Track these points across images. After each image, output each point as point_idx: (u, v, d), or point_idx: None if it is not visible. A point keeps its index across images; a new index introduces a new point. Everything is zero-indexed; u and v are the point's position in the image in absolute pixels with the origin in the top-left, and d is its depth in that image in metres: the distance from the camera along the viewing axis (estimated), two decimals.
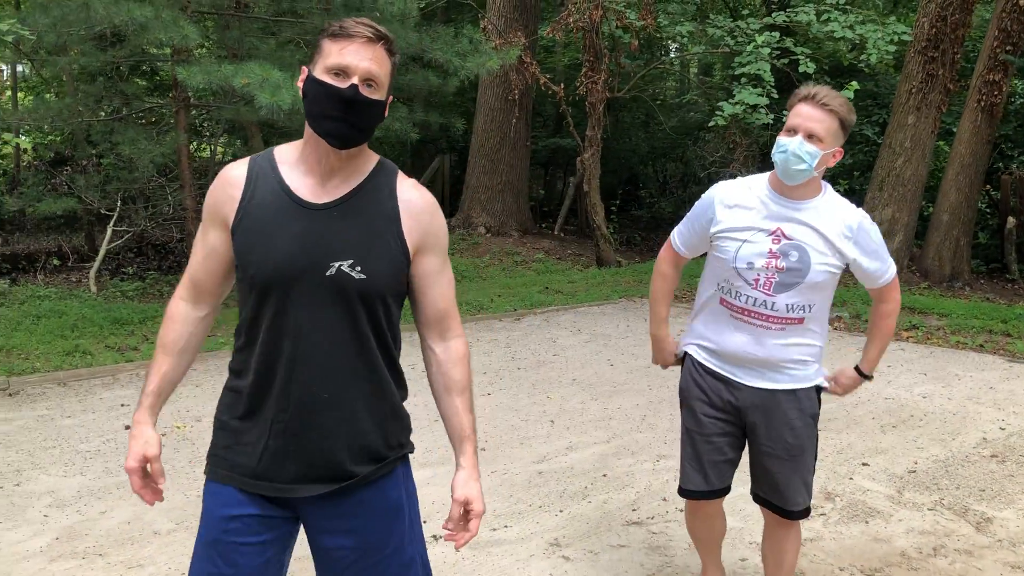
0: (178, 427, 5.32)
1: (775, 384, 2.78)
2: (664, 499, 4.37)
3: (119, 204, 11.48)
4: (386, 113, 1.91)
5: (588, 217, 12.18)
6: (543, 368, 6.85)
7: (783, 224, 2.68)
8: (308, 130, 1.88)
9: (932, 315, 9.12)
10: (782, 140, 2.59)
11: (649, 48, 14.44)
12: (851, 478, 4.65)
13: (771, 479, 2.86)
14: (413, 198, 1.97)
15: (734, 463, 2.97)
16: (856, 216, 2.71)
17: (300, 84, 1.87)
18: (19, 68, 15.87)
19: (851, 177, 13.73)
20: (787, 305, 2.69)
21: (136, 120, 11.48)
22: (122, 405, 5.75)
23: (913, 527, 4.06)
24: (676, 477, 4.59)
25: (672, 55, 15.60)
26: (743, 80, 9.25)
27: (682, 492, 3.02)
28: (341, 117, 1.81)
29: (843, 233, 2.67)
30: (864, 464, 4.87)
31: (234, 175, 1.92)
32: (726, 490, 2.99)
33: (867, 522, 4.11)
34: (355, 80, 1.80)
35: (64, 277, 11.18)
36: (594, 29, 10.63)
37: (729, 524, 4.04)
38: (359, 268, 1.87)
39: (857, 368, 2.92)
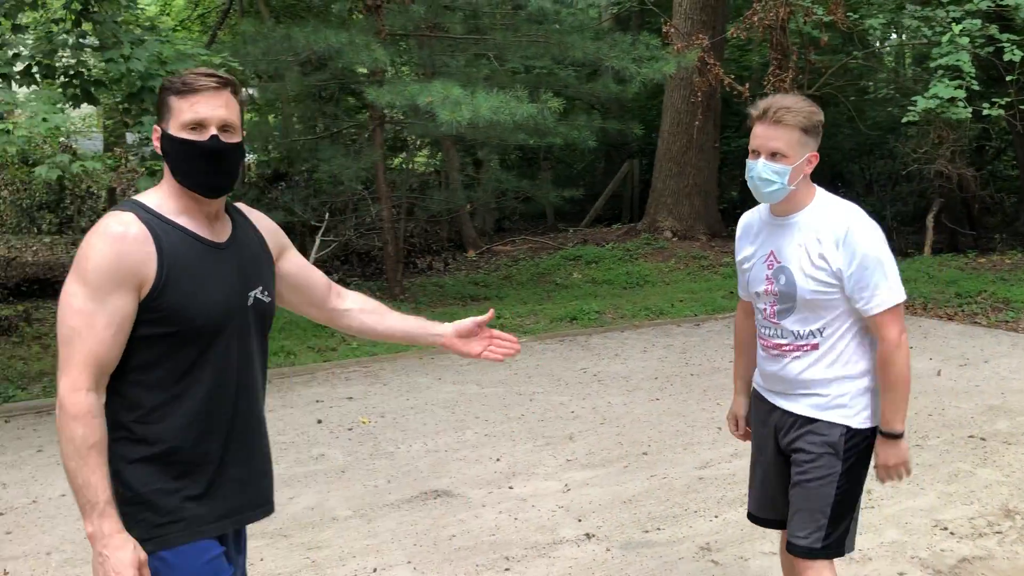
0: (364, 422, 5.76)
1: (800, 410, 2.64)
2: None
3: (327, 216, 12.43)
4: (245, 152, 2.08)
5: None
6: (717, 374, 6.81)
7: (775, 246, 2.60)
8: (176, 179, 1.94)
9: None
10: (749, 163, 2.53)
11: (850, 42, 13.86)
12: None
13: (790, 503, 2.68)
14: (258, 217, 2.18)
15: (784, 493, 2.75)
16: (845, 221, 2.49)
17: (156, 142, 1.94)
18: (248, 92, 17.46)
19: None
20: (793, 332, 2.59)
21: (344, 138, 12.39)
22: (317, 401, 6.28)
23: None
24: None
25: (876, 48, 14.88)
26: (939, 72, 8.71)
27: (748, 517, 2.98)
28: (210, 169, 1.91)
29: (834, 242, 2.48)
30: None
31: (137, 232, 1.85)
32: (782, 523, 2.79)
33: None
34: (213, 131, 1.89)
35: None
36: (781, 26, 10.36)
37: (890, 537, 3.92)
38: (266, 292, 2.09)
39: (879, 430, 2.59)
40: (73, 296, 1.82)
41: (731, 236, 14.31)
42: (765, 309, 2.65)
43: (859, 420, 2.59)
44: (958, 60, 8.46)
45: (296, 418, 5.91)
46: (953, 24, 8.60)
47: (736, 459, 4.99)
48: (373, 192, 12.10)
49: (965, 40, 8.60)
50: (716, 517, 4.23)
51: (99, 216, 8.88)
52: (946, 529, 4.02)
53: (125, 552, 1.82)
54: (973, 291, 9.63)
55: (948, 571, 3.63)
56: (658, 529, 4.11)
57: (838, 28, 10.85)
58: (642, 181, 16.31)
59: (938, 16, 8.96)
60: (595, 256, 12.75)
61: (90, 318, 1.80)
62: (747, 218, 2.80)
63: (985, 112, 8.92)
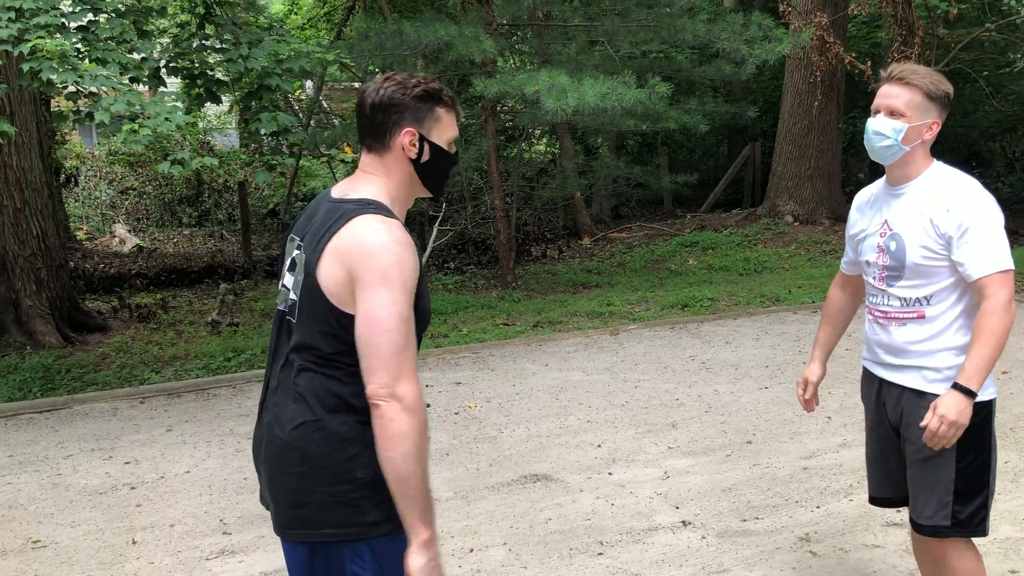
0: (470, 407, 5.89)
1: (907, 382, 2.62)
2: None
3: (444, 206, 12.70)
4: None
5: None
6: (831, 362, 6.57)
7: (889, 214, 2.63)
8: (412, 185, 2.04)
9: None
10: (868, 121, 2.55)
11: (988, 13, 13.11)
12: None
13: (908, 482, 2.68)
14: None
15: (899, 470, 2.75)
16: (956, 188, 2.50)
17: (412, 147, 1.99)
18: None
19: None
20: (901, 299, 2.60)
21: (464, 128, 12.61)
22: (427, 386, 6.45)
23: None
24: None
25: (1017, 17, 13.98)
26: None
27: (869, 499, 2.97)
28: (449, 177, 2.13)
29: (945, 207, 2.48)
30: None
31: (411, 240, 1.97)
32: (897, 500, 2.83)
33: None
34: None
35: None
36: (904, 1, 9.89)
37: (1004, 533, 3.75)
38: None
39: (955, 384, 2.45)
40: (398, 305, 1.83)
41: None
42: (875, 275, 2.67)
43: (985, 392, 2.52)
44: None
45: None
46: None
47: (844, 449, 4.86)
48: (487, 179, 12.28)
49: None
50: (818, 508, 4.14)
51: (235, 209, 9.36)
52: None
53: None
54: None
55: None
56: (757, 518, 4.05)
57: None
58: (764, 164, 15.91)
59: None
60: (712, 242, 12.54)
61: (411, 325, 1.87)
62: (864, 192, 2.83)
63: None
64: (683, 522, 4.05)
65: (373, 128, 1.99)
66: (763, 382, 6.22)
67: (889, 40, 14.80)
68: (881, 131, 2.51)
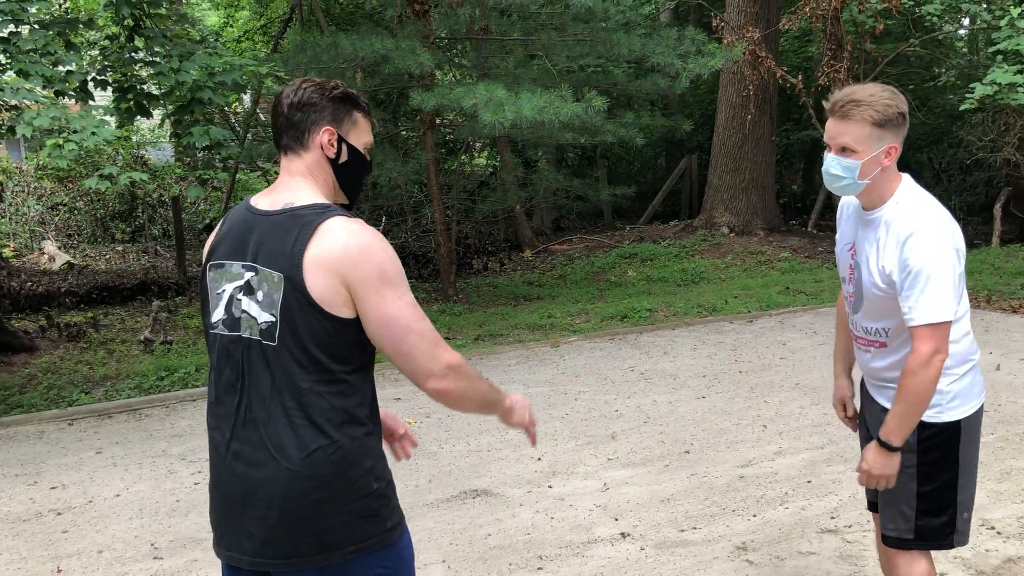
0: (409, 423, 5.84)
1: (883, 400, 2.64)
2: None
3: (383, 219, 12.63)
4: None
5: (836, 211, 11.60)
6: (766, 372, 6.72)
7: (857, 238, 2.57)
8: (335, 191, 2.04)
9: None
10: (824, 156, 2.49)
11: (913, 29, 13.52)
12: None
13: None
14: None
15: None
16: (911, 226, 2.36)
17: (331, 146, 1.99)
18: None
19: None
20: (863, 328, 2.59)
21: (402, 141, 12.57)
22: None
23: None
24: None
25: (939, 34, 14.46)
26: (999, 58, 8.43)
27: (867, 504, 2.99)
28: (364, 185, 2.18)
29: (896, 244, 2.38)
30: None
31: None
32: None
33: None
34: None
35: None
36: (833, 16, 10.15)
37: None
38: None
39: (877, 438, 2.48)
40: (405, 297, 1.88)
41: (791, 231, 14.12)
42: (847, 296, 2.67)
43: (935, 414, 2.49)
44: (1018, 44, 8.17)
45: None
46: (1012, 7, 8.32)
47: (780, 457, 4.93)
48: (429, 194, 12.25)
49: None
50: (754, 516, 4.18)
51: (170, 224, 9.11)
52: (993, 528, 3.92)
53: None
54: None
55: (991, 572, 3.53)
56: (694, 528, 4.08)
57: (895, 15, 10.59)
58: (700, 177, 16.15)
59: (998, 0, 8.68)
60: (651, 253, 12.67)
61: (420, 307, 1.93)
62: (843, 201, 2.73)
63: None
64: (622, 534, 4.07)
65: (291, 126, 1.97)
66: (700, 392, 6.28)
67: (820, 55, 15.19)
68: (836, 173, 2.42)
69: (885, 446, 2.44)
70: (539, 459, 5.06)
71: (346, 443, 1.88)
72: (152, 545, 4.12)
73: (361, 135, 2.03)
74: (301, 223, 1.87)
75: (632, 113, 9.84)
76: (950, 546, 2.61)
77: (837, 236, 2.74)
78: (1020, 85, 7.91)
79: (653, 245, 13.11)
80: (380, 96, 12.80)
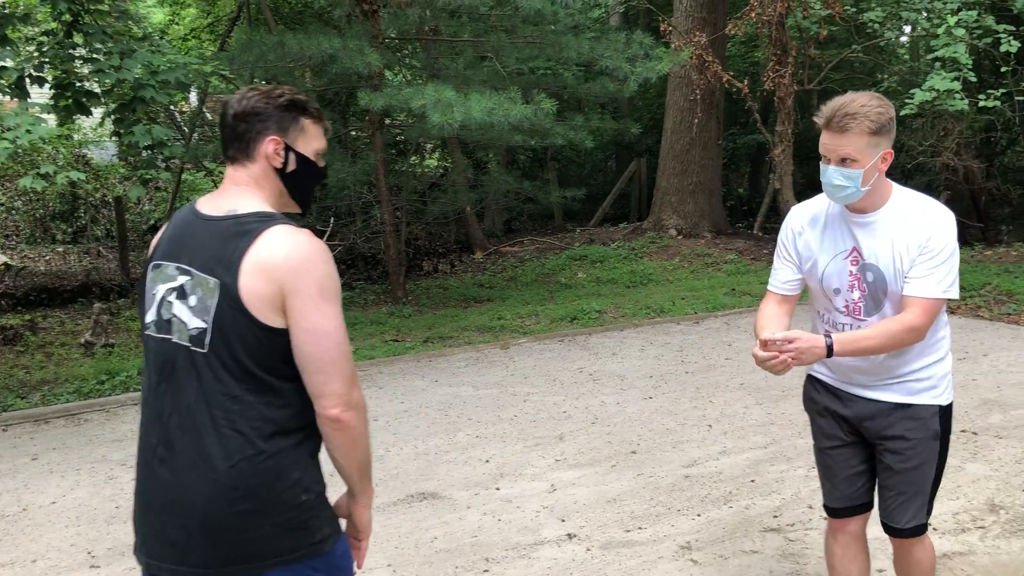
0: None
1: (891, 397, 2.69)
2: (810, 506, 4.27)
3: (332, 220, 12.50)
4: None
5: (783, 215, 11.79)
6: (712, 372, 6.79)
7: (857, 242, 2.61)
8: (283, 198, 2.01)
9: None
10: (821, 167, 2.55)
11: (856, 35, 13.81)
12: None
13: (884, 493, 2.80)
14: None
15: (862, 475, 2.86)
16: (930, 218, 2.53)
17: (277, 156, 1.95)
18: None
19: None
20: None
21: (352, 141, 12.47)
22: None
23: None
24: None
25: (880, 40, 14.80)
26: (937, 64, 8.65)
27: (825, 508, 3.02)
28: (315, 192, 2.14)
29: (926, 236, 2.51)
30: None
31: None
32: (862, 507, 2.89)
33: None
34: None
35: None
36: (779, 22, 10.31)
37: (872, 533, 3.89)
38: None
39: (827, 335, 2.54)
40: (338, 317, 1.85)
41: (737, 233, 14.32)
42: (845, 303, 2.67)
43: (945, 398, 2.69)
44: (954, 52, 8.39)
45: None
46: (949, 16, 8.54)
47: (724, 457, 4.98)
48: (378, 195, 12.17)
49: (961, 31, 8.53)
50: (699, 516, 4.22)
51: (113, 225, 8.87)
52: (929, 524, 3.99)
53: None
54: (977, 284, 9.54)
55: None
56: (640, 528, 4.11)
57: (839, 22, 10.79)
58: (649, 180, 16.28)
59: (936, 8, 8.90)
60: (600, 255, 12.74)
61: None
62: (805, 212, 2.75)
63: (981, 103, 8.85)
64: (568, 535, 4.07)
65: (236, 137, 1.95)
66: (647, 392, 6.33)
67: (766, 60, 15.42)
68: (839, 184, 2.49)
69: (829, 348, 2.48)
70: (487, 461, 5.06)
71: (273, 454, 1.84)
72: (89, 553, 4.03)
73: (310, 141, 1.99)
74: (242, 230, 1.85)
75: (581, 116, 9.89)
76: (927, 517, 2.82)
77: (808, 250, 2.70)
78: (957, 92, 8.13)
79: (603, 247, 13.18)
80: (328, 96, 12.70)
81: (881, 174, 2.53)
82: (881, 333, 2.52)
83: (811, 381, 2.91)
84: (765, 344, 2.48)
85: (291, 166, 1.96)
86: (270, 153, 1.94)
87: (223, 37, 15.63)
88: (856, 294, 2.63)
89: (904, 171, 15.47)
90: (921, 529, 2.78)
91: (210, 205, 1.95)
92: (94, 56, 6.04)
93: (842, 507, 2.90)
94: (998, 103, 8.73)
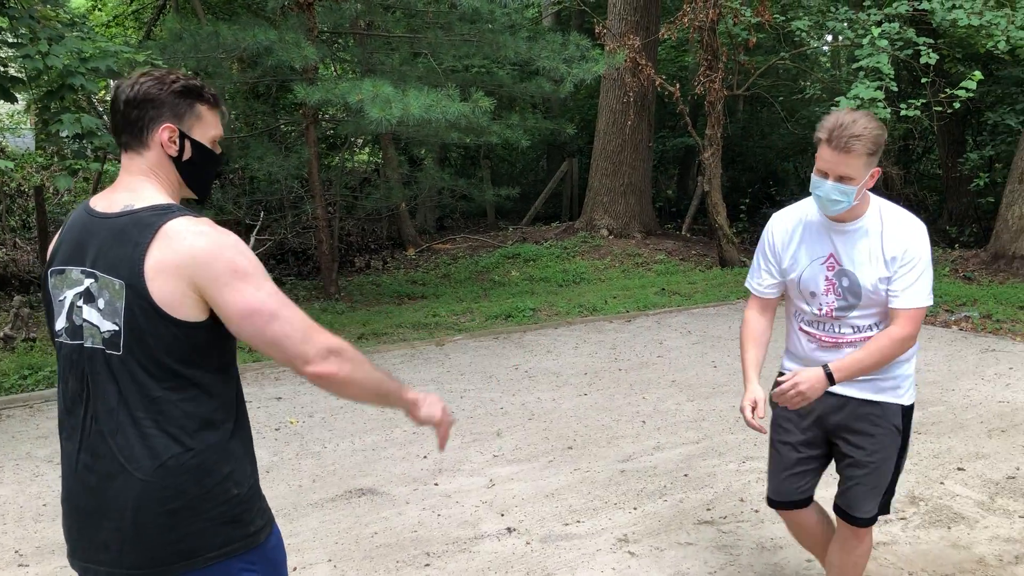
0: (292, 422, 5.74)
1: (859, 393, 2.84)
2: (741, 499, 4.40)
3: (262, 214, 12.32)
4: None
5: (711, 217, 12.07)
6: (644, 369, 6.92)
7: (836, 249, 2.77)
8: (180, 187, 1.96)
9: None
10: (816, 180, 2.66)
11: (783, 43, 14.20)
12: (942, 483, 4.53)
13: (845, 483, 2.92)
14: None
15: (809, 473, 3.01)
16: (908, 230, 2.71)
17: (171, 144, 1.90)
18: None
19: (992, 170, 12.96)
20: (853, 327, 2.78)
21: (282, 135, 12.29)
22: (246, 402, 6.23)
23: (998, 534, 3.93)
24: (759, 479, 4.62)
25: (807, 48, 15.25)
26: (861, 74, 8.97)
27: (768, 502, 3.13)
28: (213, 182, 2.05)
29: (902, 247, 2.68)
30: (960, 469, 4.72)
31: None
32: (801, 503, 3.03)
33: (949, 528, 4.01)
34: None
35: None
36: (710, 28, 10.54)
37: None
38: None
39: (826, 367, 2.70)
40: (263, 287, 1.79)
41: (666, 234, 14.57)
42: (822, 307, 2.81)
43: (908, 397, 2.86)
44: (878, 62, 8.71)
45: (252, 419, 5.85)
46: (872, 27, 8.86)
47: (658, 452, 5.09)
48: (311, 190, 12.04)
49: (884, 42, 8.86)
50: (635, 509, 4.31)
51: (30, 216, 8.54)
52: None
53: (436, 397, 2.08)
54: None
55: None
56: (578, 522, 4.18)
57: (768, 29, 11.09)
58: (581, 180, 16.46)
59: (860, 19, 9.22)
60: (533, 254, 12.84)
61: (279, 291, 1.84)
62: (789, 218, 2.90)
63: (902, 113, 9.21)
64: (508, 529, 4.12)
65: (128, 125, 1.88)
66: (582, 389, 6.42)
67: (695, 64, 15.73)
68: (836, 199, 2.62)
69: (829, 377, 2.67)
70: (425, 457, 5.07)
71: (201, 450, 1.83)
72: (16, 552, 3.92)
73: (207, 129, 1.93)
74: (141, 226, 1.79)
75: (517, 115, 9.94)
76: (887, 510, 2.99)
77: (788, 255, 2.86)
78: (880, 100, 8.44)
79: (535, 246, 13.28)
80: (260, 89, 12.51)
81: (868, 187, 2.70)
82: (875, 351, 2.68)
83: (781, 375, 2.98)
84: (756, 406, 2.76)
85: (187, 154, 1.91)
86: (164, 141, 1.87)
87: (149, 25, 15.27)
88: (831, 298, 2.79)
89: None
90: (874, 519, 2.93)
91: (104, 202, 1.89)
92: (19, 41, 5.85)
93: (780, 501, 3.05)
94: (917, 112, 9.08)
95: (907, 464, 4.75)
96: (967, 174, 13.64)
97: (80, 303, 1.84)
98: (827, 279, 2.79)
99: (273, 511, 4.22)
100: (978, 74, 8.74)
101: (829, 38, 14.90)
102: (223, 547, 1.85)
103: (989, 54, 11.23)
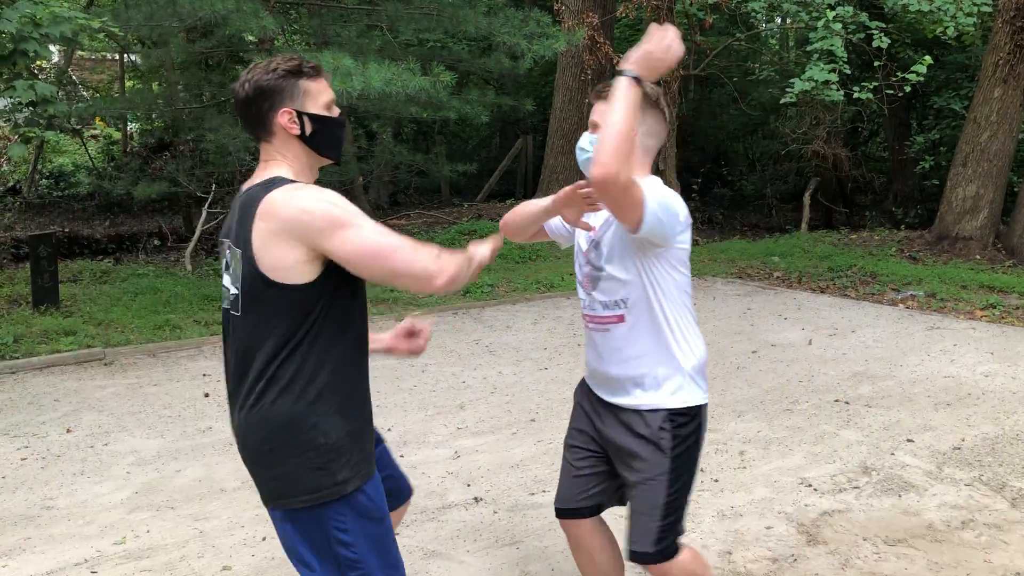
0: None
1: (616, 399, 2.50)
2: (702, 470, 4.49)
3: (214, 187, 12.12)
4: None
5: None
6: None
7: (593, 216, 2.46)
8: (310, 158, 2.13)
9: (1013, 294, 8.88)
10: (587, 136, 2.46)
11: (735, 24, 14.35)
12: (892, 454, 4.70)
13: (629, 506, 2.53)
14: None
15: (590, 480, 2.66)
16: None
17: (292, 124, 2.07)
18: (130, 57, 16.69)
19: (937, 153, 13.31)
20: (602, 302, 2.45)
21: (232, 107, 12.06)
22: (204, 375, 6.20)
23: (946, 501, 4.10)
24: (717, 450, 4.74)
25: (759, 30, 15.43)
26: (815, 56, 9.14)
27: (556, 513, 2.76)
28: (343, 140, 2.25)
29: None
30: (909, 440, 4.90)
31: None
32: (585, 511, 2.69)
33: (900, 496, 4.16)
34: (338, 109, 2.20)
35: (164, 256, 11.88)
36: (668, 7, 10.61)
37: (760, 494, 4.16)
38: None
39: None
40: (365, 226, 1.96)
41: None
42: (582, 279, 2.58)
43: (679, 400, 2.41)
44: (832, 45, 8.89)
45: (182, 392, 5.82)
46: (827, 10, 9.03)
47: None
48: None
49: (838, 26, 9.04)
50: None
51: None
52: (810, 486, 4.30)
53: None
54: (844, 265, 10.17)
55: (810, 524, 3.89)
56: (544, 492, 4.25)
57: (723, 10, 11.20)
58: (536, 157, 16.49)
59: (815, 2, 9.38)
60: (489, 230, 12.85)
61: (383, 229, 2.02)
62: None
63: (855, 95, 9.41)
64: (475, 499, 4.18)
65: (252, 120, 2.10)
66: (542, 363, 6.49)
67: None
68: (582, 146, 2.43)
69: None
70: (389, 430, 5.10)
71: (295, 401, 2.01)
72: None
73: (317, 98, 2.11)
74: (251, 201, 2.01)
75: (476, 90, 9.92)
76: (675, 553, 2.46)
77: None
78: (834, 83, 8.63)
79: (491, 222, 13.29)
80: (212, 61, 12.27)
81: None
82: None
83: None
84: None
85: (308, 129, 2.09)
86: (286, 124, 2.07)
87: None
88: (587, 267, 2.52)
89: (777, 157, 16.25)
90: (651, 557, 2.42)
91: (247, 184, 2.12)
92: None
93: (561, 507, 2.73)
94: (870, 95, 9.30)
95: (859, 436, 4.94)
96: (913, 157, 14.00)
97: (224, 270, 2.15)
98: (585, 249, 2.53)
99: (239, 483, 4.23)
100: (928, 59, 8.97)
101: (778, 20, 15.12)
102: (313, 492, 2.02)
103: (936, 39, 11.52)
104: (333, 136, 2.15)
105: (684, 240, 2.42)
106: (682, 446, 2.41)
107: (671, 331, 2.43)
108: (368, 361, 2.20)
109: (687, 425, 2.43)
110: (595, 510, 2.71)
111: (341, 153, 2.22)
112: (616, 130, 2.06)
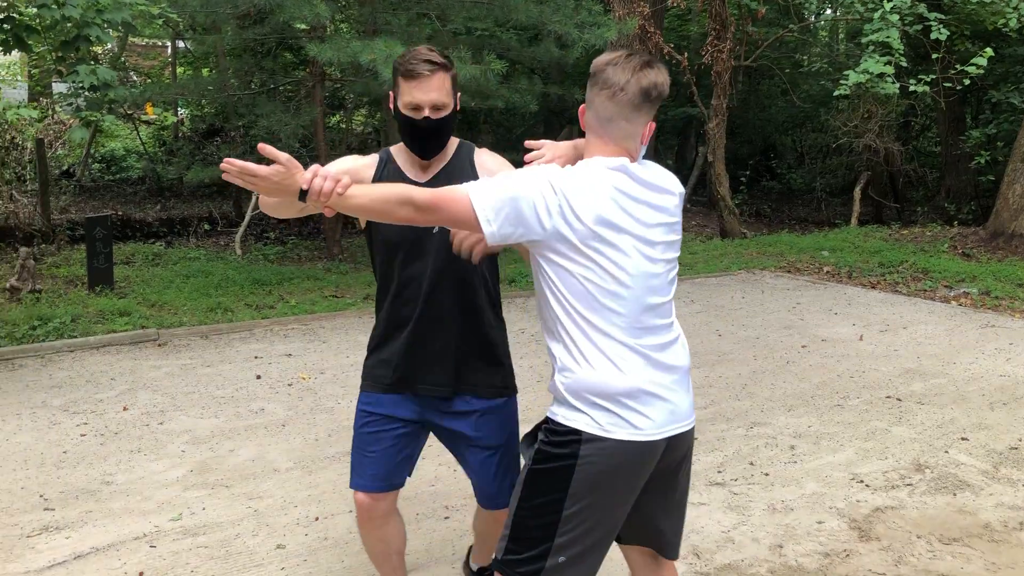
0: (303, 378, 5.80)
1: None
2: (751, 463, 4.48)
3: None
4: (456, 110, 2.47)
5: (713, 188, 12.10)
6: None
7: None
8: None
9: None
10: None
11: (786, 16, 14.15)
12: (947, 451, 4.63)
13: None
14: (486, 161, 2.57)
15: None
16: None
17: (389, 108, 2.49)
18: (181, 44, 16.92)
19: (993, 148, 13.01)
20: None
21: (281, 94, 12.20)
22: (256, 357, 6.29)
23: (1003, 502, 4.03)
24: (767, 444, 4.71)
25: (811, 22, 15.20)
26: (870, 48, 8.99)
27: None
28: (423, 139, 2.43)
29: None
30: (963, 439, 4.82)
31: (369, 157, 2.57)
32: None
33: (955, 494, 4.11)
34: (427, 112, 2.37)
35: (214, 241, 12.06)
36: None
37: (811, 489, 4.13)
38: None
39: None
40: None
41: None
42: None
43: (555, 408, 2.13)
44: (888, 37, 8.73)
45: (235, 373, 5.91)
46: (884, 1, 8.86)
47: None
48: (311, 150, 11.98)
49: (895, 17, 8.87)
50: None
51: (24, 168, 8.53)
52: (862, 482, 4.26)
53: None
54: (895, 261, 10.01)
55: (863, 520, 3.85)
56: None
57: (775, 1, 11.07)
58: None
59: None
60: None
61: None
62: None
63: (911, 88, 9.24)
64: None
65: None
66: None
67: (698, 34, 15.67)
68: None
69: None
70: None
71: (494, 326, 2.67)
72: (41, 496, 3.97)
73: (401, 96, 2.37)
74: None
75: (526, 79, 9.91)
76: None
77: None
78: (889, 75, 8.47)
79: None
80: (262, 48, 12.40)
81: None
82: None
83: None
84: None
85: (398, 119, 2.44)
86: (388, 106, 2.47)
87: None
88: None
89: (827, 150, 16.01)
90: (494, 565, 2.18)
91: None
92: None
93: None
94: (927, 88, 9.12)
95: (912, 434, 4.87)
96: (967, 152, 13.71)
97: None
98: None
99: (292, 463, 4.29)
100: (989, 51, 8.76)
101: (828, 12, 14.87)
102: (501, 386, 2.69)
103: (996, 31, 11.24)
104: (405, 133, 2.42)
105: (575, 220, 2.01)
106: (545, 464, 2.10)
107: (563, 337, 2.09)
108: (397, 293, 2.57)
109: (560, 447, 2.07)
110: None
111: (418, 150, 2.44)
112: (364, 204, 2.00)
